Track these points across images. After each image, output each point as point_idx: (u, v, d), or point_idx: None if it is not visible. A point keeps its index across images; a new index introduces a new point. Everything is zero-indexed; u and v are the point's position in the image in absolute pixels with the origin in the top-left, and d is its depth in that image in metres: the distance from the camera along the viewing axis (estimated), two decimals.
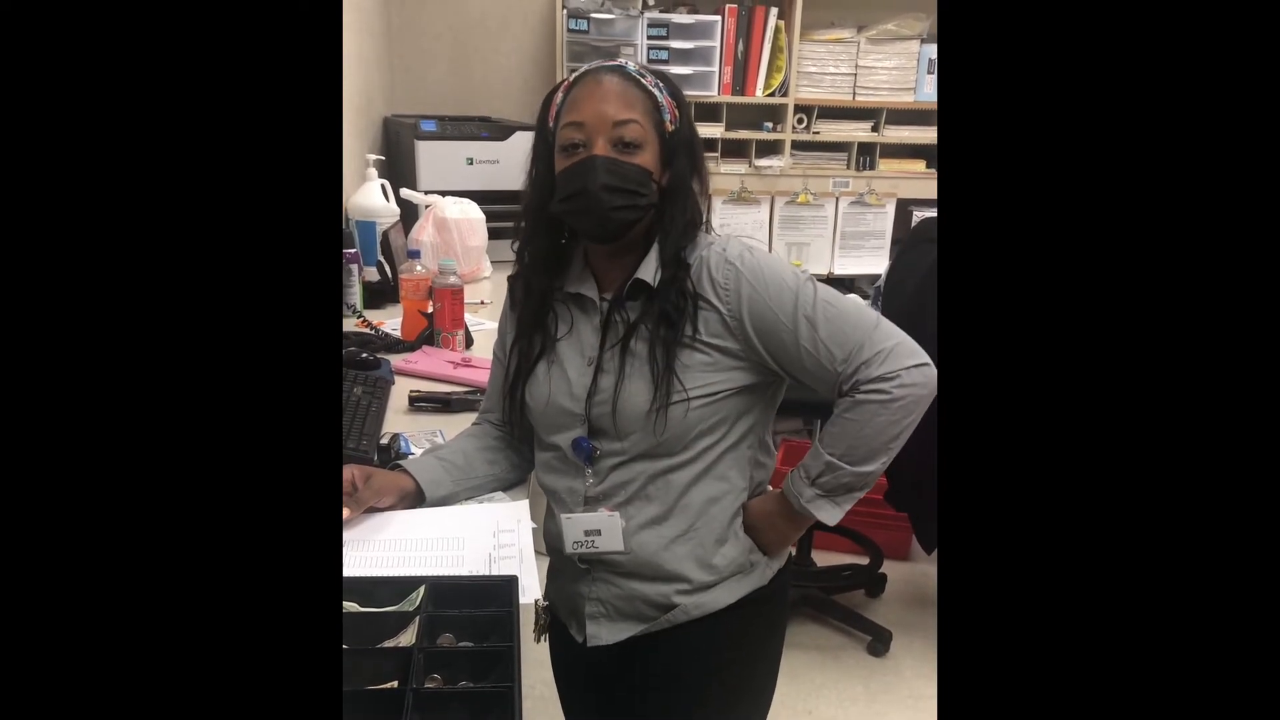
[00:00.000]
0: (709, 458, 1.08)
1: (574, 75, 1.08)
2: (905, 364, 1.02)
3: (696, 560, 1.10)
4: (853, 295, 1.10)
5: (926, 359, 1.04)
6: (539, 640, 1.16)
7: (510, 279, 1.19)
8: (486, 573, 1.00)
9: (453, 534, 1.08)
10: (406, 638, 0.87)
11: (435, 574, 0.96)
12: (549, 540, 1.18)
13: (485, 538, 1.07)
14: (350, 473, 1.12)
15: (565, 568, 1.16)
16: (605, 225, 1.05)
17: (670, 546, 1.09)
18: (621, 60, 1.08)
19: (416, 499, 1.14)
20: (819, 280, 1.08)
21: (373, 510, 1.12)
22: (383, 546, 1.06)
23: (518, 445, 1.23)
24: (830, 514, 1.08)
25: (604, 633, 1.14)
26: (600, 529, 1.08)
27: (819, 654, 2.40)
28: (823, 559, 2.74)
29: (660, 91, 1.06)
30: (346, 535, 1.07)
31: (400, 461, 1.19)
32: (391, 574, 0.98)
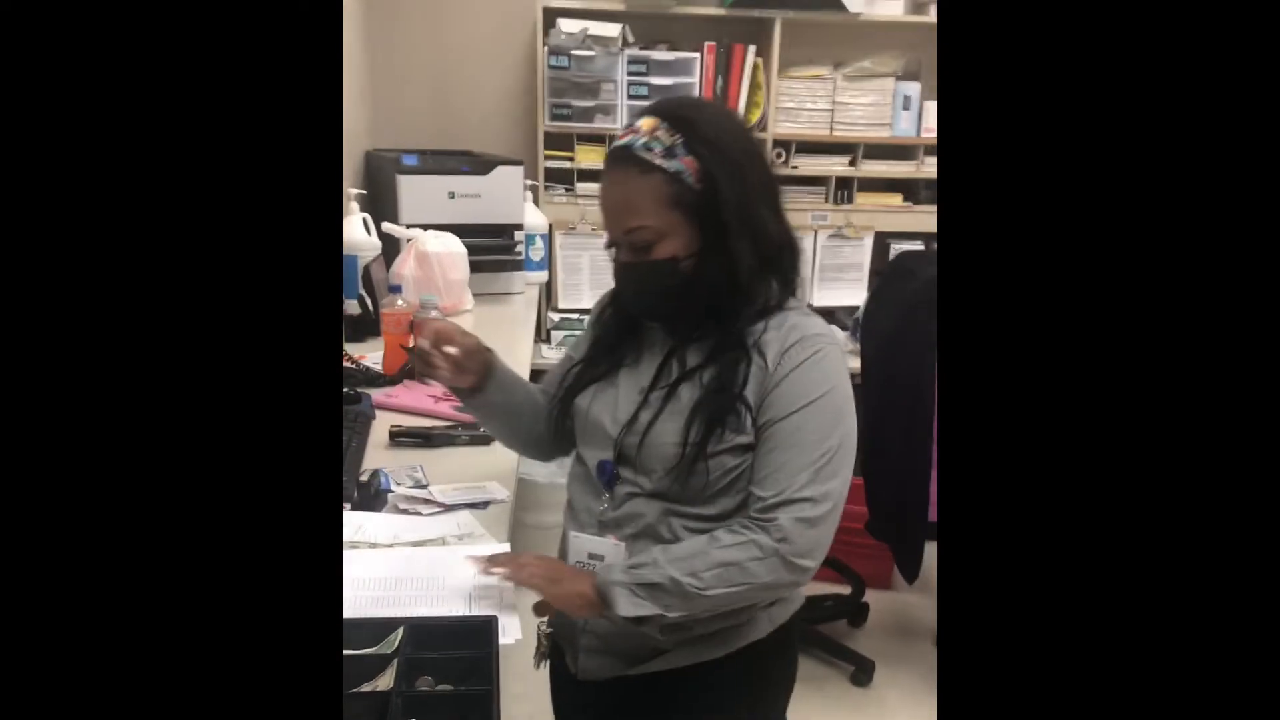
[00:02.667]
0: (724, 513, 1.06)
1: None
2: (798, 540, 0.98)
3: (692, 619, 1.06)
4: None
5: (807, 565, 1.00)
6: (538, 667, 1.18)
7: (604, 298, 1.21)
8: (465, 613, 1.01)
9: (432, 574, 1.08)
10: (385, 681, 0.87)
11: (413, 614, 0.96)
12: (559, 553, 1.19)
13: (464, 576, 1.07)
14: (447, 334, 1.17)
15: None
16: (652, 318, 1.11)
17: None
18: (629, 138, 1.04)
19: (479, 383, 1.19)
20: None
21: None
22: (359, 585, 1.05)
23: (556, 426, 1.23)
24: (626, 603, 0.99)
25: (595, 667, 1.13)
26: (604, 555, 1.08)
27: (801, 684, 2.36)
28: (805, 589, 2.74)
29: (672, 159, 1.01)
30: None
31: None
32: (368, 615, 0.98)
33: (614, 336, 1.16)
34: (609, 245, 1.09)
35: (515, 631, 0.99)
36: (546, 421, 1.21)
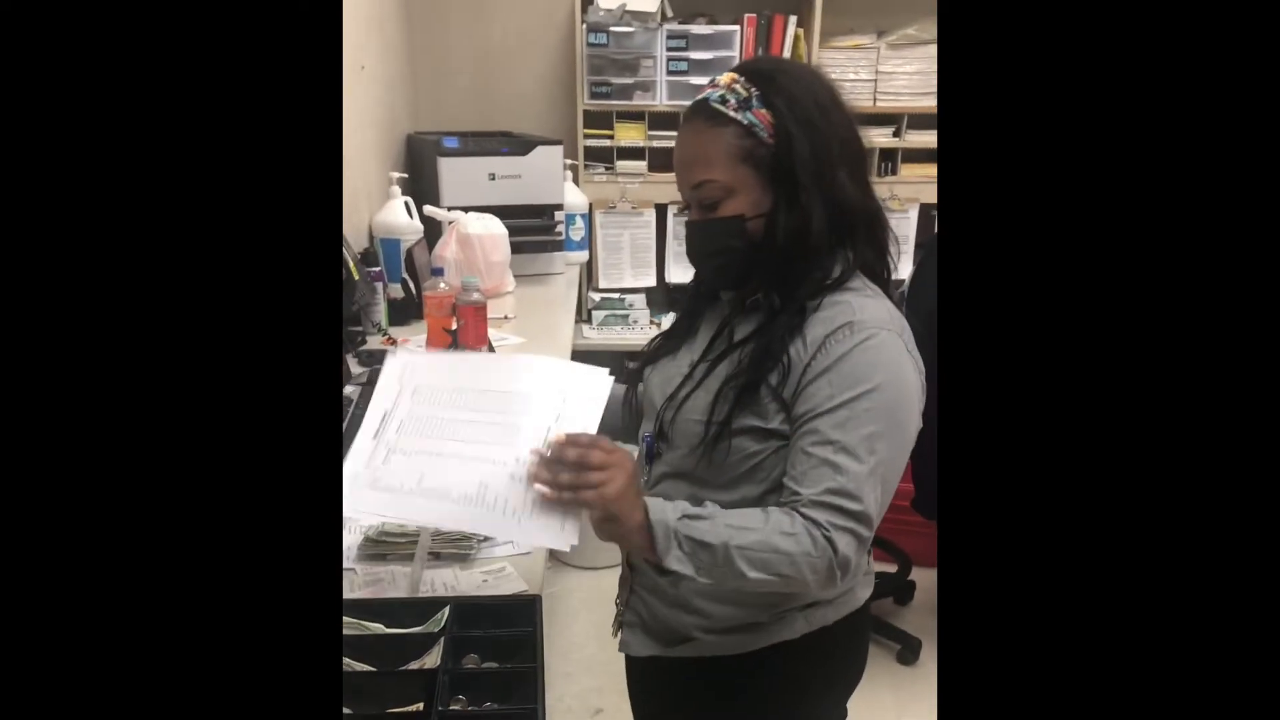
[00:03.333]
0: (744, 500, 1.00)
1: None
2: (849, 556, 0.91)
3: (718, 598, 1.05)
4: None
5: (844, 584, 0.94)
6: (615, 634, 1.16)
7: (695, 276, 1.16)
8: (507, 490, 0.91)
9: (518, 388, 1.01)
10: (431, 659, 0.88)
11: (459, 595, 0.97)
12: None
13: (547, 412, 0.97)
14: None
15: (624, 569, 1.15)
16: (719, 283, 1.07)
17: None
18: (707, 91, 1.01)
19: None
20: None
21: None
22: (434, 423, 0.98)
23: None
24: (674, 555, 0.90)
25: (634, 643, 1.13)
26: None
27: None
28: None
29: (746, 112, 0.98)
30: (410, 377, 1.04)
31: None
32: (401, 515, 0.94)
33: (690, 306, 1.13)
34: (681, 208, 1.06)
35: (573, 535, 0.90)
36: (623, 405, 1.18)
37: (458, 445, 0.95)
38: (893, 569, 2.70)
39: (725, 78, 1.01)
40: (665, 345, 1.13)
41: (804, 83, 1.00)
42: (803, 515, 0.92)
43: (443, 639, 0.89)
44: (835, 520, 0.91)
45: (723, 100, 0.99)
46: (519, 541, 0.88)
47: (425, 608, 0.94)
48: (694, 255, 1.06)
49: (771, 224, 0.98)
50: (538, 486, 0.90)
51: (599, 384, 1.02)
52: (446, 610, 0.94)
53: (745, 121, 0.98)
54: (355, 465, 0.94)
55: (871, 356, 0.94)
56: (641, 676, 1.16)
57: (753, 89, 0.98)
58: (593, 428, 0.97)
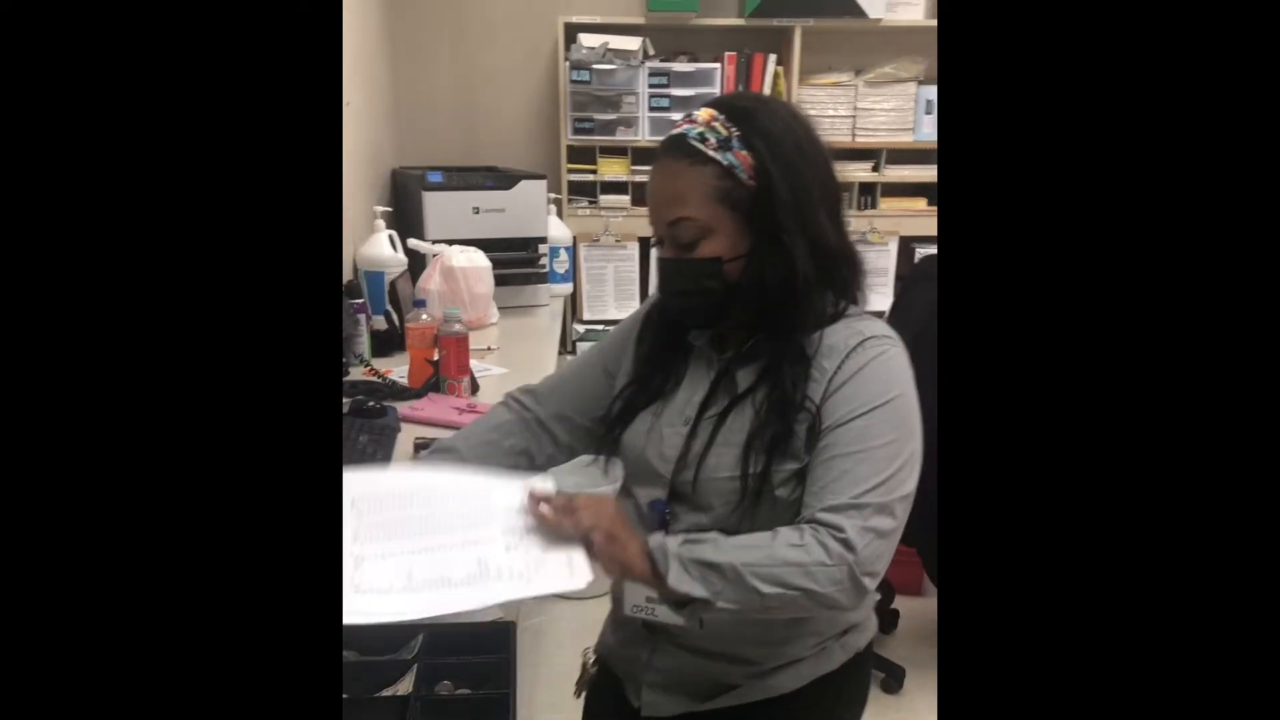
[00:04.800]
0: None
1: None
2: (865, 551, 0.89)
3: (764, 641, 1.03)
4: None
5: (869, 583, 0.91)
6: (578, 695, 1.10)
7: (649, 310, 1.12)
8: (520, 539, 0.92)
9: (479, 485, 0.99)
10: (404, 686, 0.89)
11: (430, 619, 0.94)
12: (612, 591, 1.09)
13: (514, 495, 0.96)
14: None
15: (627, 625, 1.07)
16: (691, 322, 1.03)
17: (738, 626, 0.99)
18: (684, 126, 0.98)
19: None
20: None
21: None
22: (396, 524, 0.93)
23: (540, 431, 1.14)
24: (675, 574, 0.89)
25: (663, 703, 1.07)
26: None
27: None
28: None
29: (726, 152, 0.96)
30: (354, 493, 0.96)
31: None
32: (401, 614, 0.87)
33: (659, 356, 1.07)
34: (654, 242, 1.03)
35: (585, 572, 0.89)
36: (543, 437, 1.14)
37: (436, 537, 0.91)
38: (876, 597, 2.69)
39: (704, 114, 0.98)
40: (635, 401, 1.07)
41: (783, 121, 0.98)
42: (815, 526, 0.90)
43: (415, 666, 0.90)
44: (855, 522, 0.89)
45: (701, 138, 0.96)
46: (533, 595, 0.86)
47: (397, 634, 0.94)
48: (667, 292, 1.03)
49: (754, 267, 0.97)
50: (537, 512, 0.92)
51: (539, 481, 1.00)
52: (419, 637, 0.94)
53: (725, 163, 0.96)
54: None
55: (885, 370, 0.95)
56: None
57: (733, 128, 0.96)
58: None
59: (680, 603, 0.90)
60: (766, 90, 3.08)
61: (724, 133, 0.96)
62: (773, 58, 3.08)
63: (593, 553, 0.91)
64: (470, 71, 3.21)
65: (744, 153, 0.96)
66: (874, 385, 0.94)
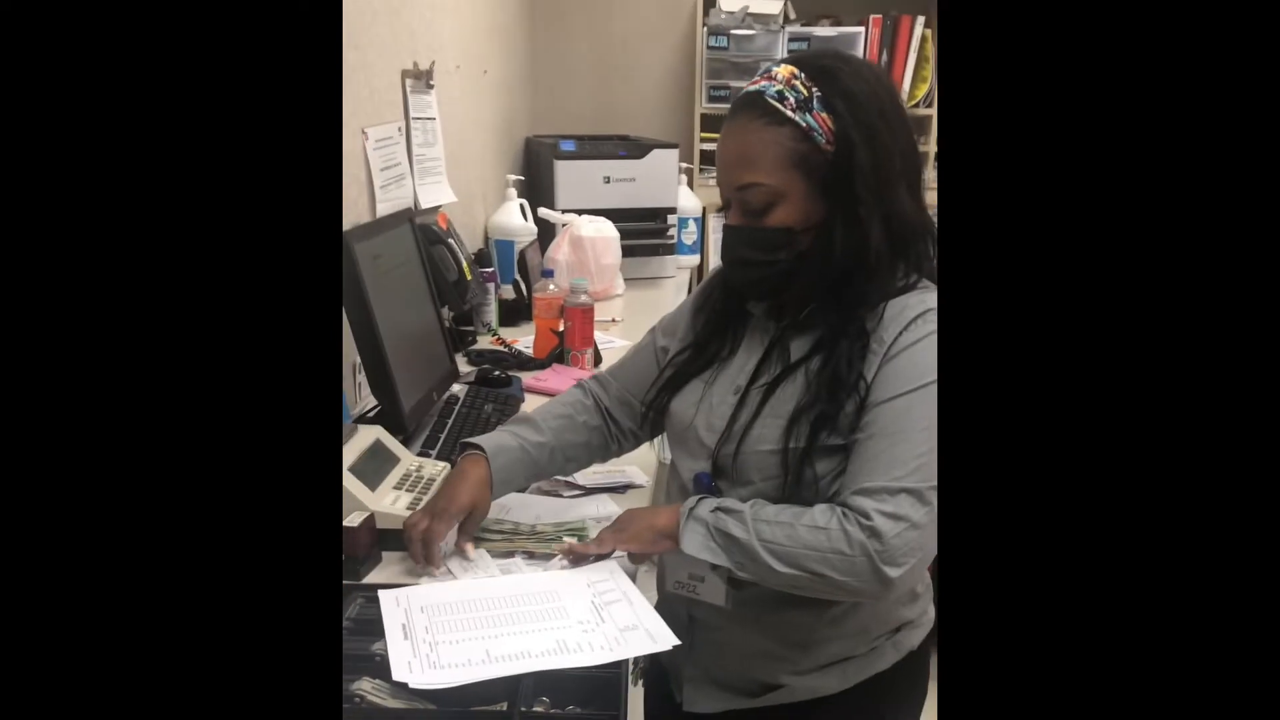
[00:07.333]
0: None
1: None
2: (891, 539, 0.84)
3: (808, 635, 0.98)
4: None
5: (894, 574, 0.85)
6: (636, 684, 1.09)
7: (710, 278, 1.09)
8: (599, 622, 0.92)
9: (544, 589, 1.00)
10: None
11: (540, 669, 0.85)
12: (659, 570, 1.10)
13: (581, 591, 0.98)
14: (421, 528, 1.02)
15: (670, 619, 1.01)
16: (753, 294, 0.99)
17: (780, 610, 0.96)
18: (762, 83, 0.93)
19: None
20: None
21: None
22: (466, 622, 0.93)
23: (611, 421, 1.15)
24: (694, 541, 0.91)
25: (703, 700, 1.04)
26: (705, 576, 0.96)
27: None
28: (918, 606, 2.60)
29: (805, 113, 0.90)
30: (419, 598, 0.96)
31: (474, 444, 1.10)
32: (487, 674, 0.84)
33: (717, 324, 1.03)
34: (720, 207, 0.98)
35: (668, 638, 0.89)
36: (609, 423, 1.14)
37: (511, 626, 0.91)
38: (930, 593, 2.56)
39: (783, 70, 0.92)
40: (689, 367, 1.04)
41: (868, 83, 0.92)
42: (845, 510, 0.87)
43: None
44: (885, 508, 0.85)
45: (780, 97, 0.90)
46: (615, 660, 0.87)
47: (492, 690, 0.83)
48: (731, 261, 0.97)
49: (825, 240, 0.91)
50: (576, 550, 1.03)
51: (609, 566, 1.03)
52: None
53: (804, 124, 0.90)
54: (401, 660, 0.84)
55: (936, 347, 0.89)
56: None
57: (813, 88, 0.90)
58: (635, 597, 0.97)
59: (736, 581, 0.93)
60: (913, 55, 2.92)
61: (804, 92, 0.90)
62: (920, 20, 2.91)
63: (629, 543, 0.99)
64: (607, 38, 3.19)
65: (824, 115, 0.90)
66: (928, 359, 0.88)
